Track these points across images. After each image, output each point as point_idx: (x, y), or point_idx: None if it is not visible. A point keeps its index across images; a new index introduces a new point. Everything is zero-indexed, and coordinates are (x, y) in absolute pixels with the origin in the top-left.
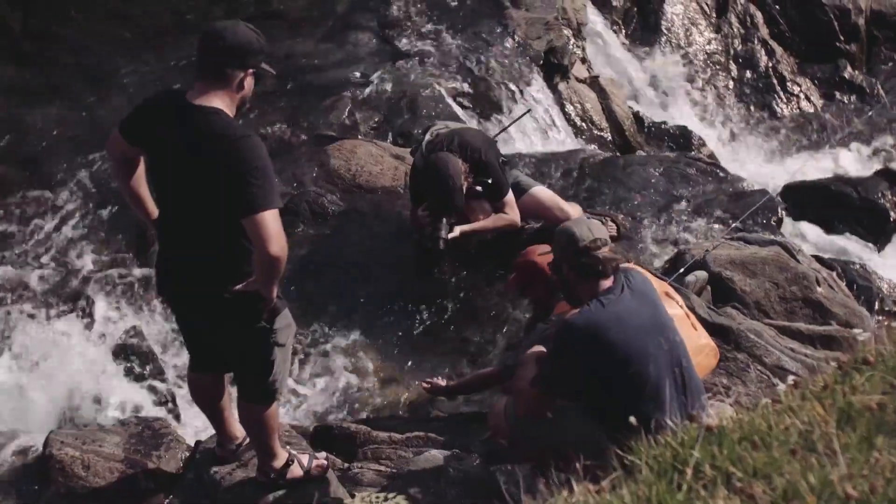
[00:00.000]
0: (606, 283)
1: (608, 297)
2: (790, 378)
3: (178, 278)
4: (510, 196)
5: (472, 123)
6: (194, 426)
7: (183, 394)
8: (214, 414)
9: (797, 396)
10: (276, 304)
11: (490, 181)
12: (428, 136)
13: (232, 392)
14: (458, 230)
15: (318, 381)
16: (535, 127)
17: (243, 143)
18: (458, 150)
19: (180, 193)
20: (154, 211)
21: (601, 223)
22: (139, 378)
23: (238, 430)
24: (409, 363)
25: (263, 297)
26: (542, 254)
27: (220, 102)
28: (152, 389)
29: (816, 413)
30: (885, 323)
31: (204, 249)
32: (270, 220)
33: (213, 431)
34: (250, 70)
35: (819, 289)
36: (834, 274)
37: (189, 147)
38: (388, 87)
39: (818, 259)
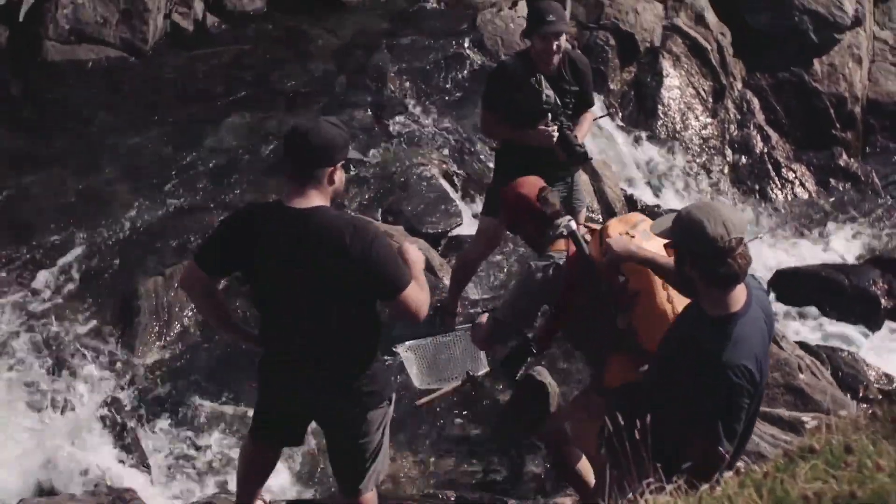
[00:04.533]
0: (740, 295)
1: (747, 319)
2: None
3: (305, 380)
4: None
5: (464, 207)
6: (165, 497)
7: (155, 465)
8: (256, 489)
9: (736, 484)
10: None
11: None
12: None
13: None
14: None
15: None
16: None
17: (367, 232)
18: None
19: (303, 297)
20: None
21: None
22: (112, 448)
23: None
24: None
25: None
26: (529, 185)
27: (320, 199)
28: (125, 460)
29: (753, 501)
30: (869, 411)
31: (335, 343)
32: (415, 294)
33: None
34: (339, 164)
35: (801, 375)
36: (817, 361)
37: (310, 250)
38: (380, 165)
39: (803, 346)
